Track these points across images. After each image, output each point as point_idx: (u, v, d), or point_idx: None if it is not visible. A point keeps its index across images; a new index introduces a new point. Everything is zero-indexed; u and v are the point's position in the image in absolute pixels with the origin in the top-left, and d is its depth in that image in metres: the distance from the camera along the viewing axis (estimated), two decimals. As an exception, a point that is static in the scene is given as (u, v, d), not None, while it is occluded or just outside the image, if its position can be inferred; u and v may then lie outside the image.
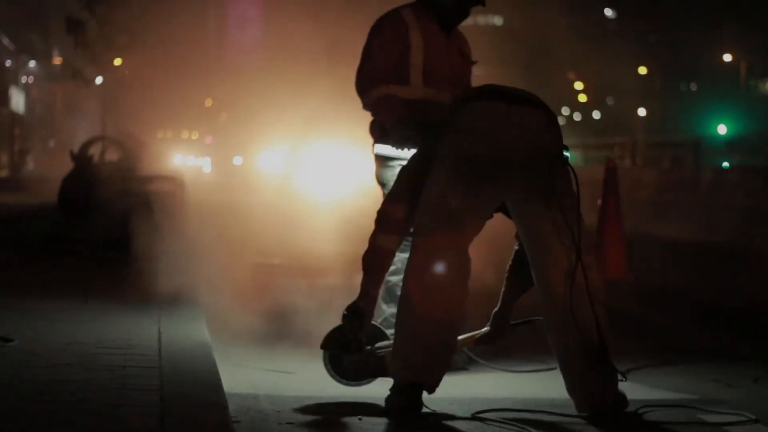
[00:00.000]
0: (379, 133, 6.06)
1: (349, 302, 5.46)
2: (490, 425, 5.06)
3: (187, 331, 6.46)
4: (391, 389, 5.26)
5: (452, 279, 5.23)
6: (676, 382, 6.42)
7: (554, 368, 5.47)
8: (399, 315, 5.30)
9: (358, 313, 5.42)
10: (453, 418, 5.18)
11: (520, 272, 5.47)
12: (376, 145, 6.13)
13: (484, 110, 5.28)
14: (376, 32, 6.17)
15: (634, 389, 6.13)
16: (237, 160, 41.17)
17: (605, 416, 5.20)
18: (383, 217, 5.44)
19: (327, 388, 5.73)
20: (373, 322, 5.60)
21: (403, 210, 5.40)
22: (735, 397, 5.99)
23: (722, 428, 5.18)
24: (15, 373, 5.13)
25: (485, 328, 5.63)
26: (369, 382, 5.58)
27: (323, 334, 5.55)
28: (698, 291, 10.96)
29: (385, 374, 5.46)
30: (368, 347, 5.51)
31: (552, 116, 5.31)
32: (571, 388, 5.30)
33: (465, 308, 5.37)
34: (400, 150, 5.91)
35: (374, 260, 5.44)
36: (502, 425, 5.04)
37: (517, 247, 5.50)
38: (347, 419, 5.09)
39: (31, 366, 5.30)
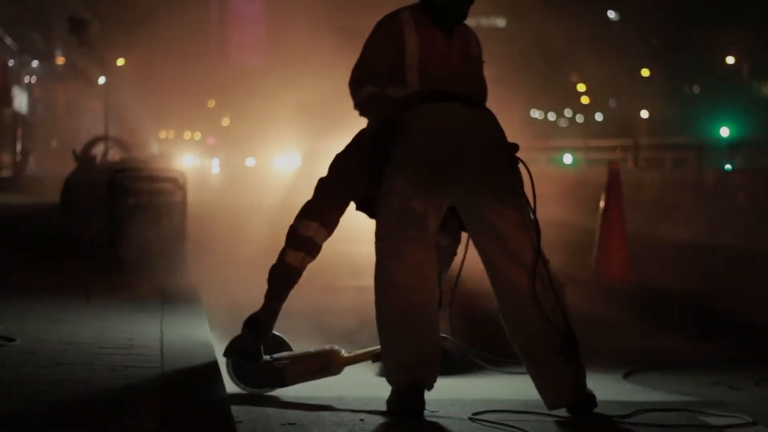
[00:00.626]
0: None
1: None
2: (488, 427, 5.06)
3: (189, 331, 6.46)
4: (391, 395, 5.26)
5: (423, 276, 5.24)
6: (676, 385, 6.42)
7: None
8: (380, 322, 5.30)
9: (256, 324, 5.51)
10: (452, 419, 5.18)
11: None
12: None
13: (440, 112, 5.34)
14: (371, 34, 6.19)
15: (634, 391, 6.14)
16: (249, 162, 40.59)
17: (582, 412, 5.19)
18: (292, 233, 5.50)
19: (329, 388, 5.73)
20: (276, 333, 5.65)
21: (313, 228, 5.45)
22: (736, 399, 5.99)
23: (723, 430, 5.18)
24: (17, 372, 5.14)
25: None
26: (270, 390, 5.61)
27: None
28: (700, 293, 10.96)
29: (282, 384, 5.56)
30: (268, 357, 5.57)
31: (494, 117, 5.41)
32: (544, 386, 5.28)
33: (438, 306, 5.37)
34: None
35: (279, 275, 5.51)
36: (500, 427, 5.04)
37: None
38: (349, 419, 5.09)
39: (32, 365, 5.31)
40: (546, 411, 5.31)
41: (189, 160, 38.12)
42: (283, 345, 5.71)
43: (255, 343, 5.55)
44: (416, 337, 5.22)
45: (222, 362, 5.64)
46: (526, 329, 5.27)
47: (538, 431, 5.00)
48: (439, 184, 5.23)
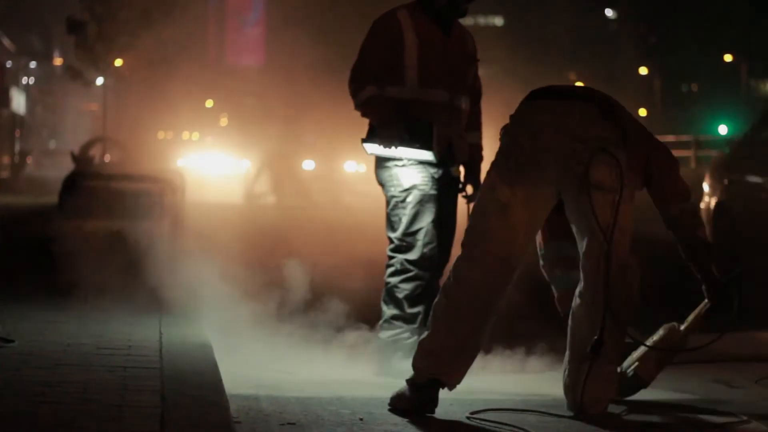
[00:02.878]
0: (368, 132, 6.07)
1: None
2: (486, 426, 5.05)
3: (188, 332, 6.46)
4: (408, 383, 5.23)
5: (493, 281, 5.22)
6: (676, 383, 6.41)
7: (554, 369, 5.47)
8: (436, 307, 5.27)
9: (603, 355, 5.40)
10: (450, 418, 5.17)
11: None
12: (365, 144, 6.13)
13: (533, 107, 5.35)
14: (369, 33, 6.19)
15: (634, 390, 6.13)
16: (308, 164, 38.62)
17: (593, 418, 5.19)
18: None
19: (328, 388, 5.73)
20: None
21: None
22: (735, 397, 5.99)
23: (723, 429, 5.17)
24: (15, 373, 5.13)
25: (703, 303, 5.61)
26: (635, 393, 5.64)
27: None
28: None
29: (645, 386, 5.62)
30: (618, 369, 5.55)
31: (607, 110, 5.31)
32: (565, 384, 5.31)
33: (499, 312, 5.35)
34: (387, 149, 5.92)
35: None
36: (497, 426, 5.04)
37: None
38: (348, 419, 5.08)
39: (31, 367, 5.30)
40: (546, 409, 5.31)
41: (226, 162, 36.98)
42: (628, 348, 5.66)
43: None
44: (462, 332, 5.20)
45: (223, 362, 5.64)
46: (577, 321, 5.30)
47: (537, 430, 5.00)
48: (525, 176, 5.21)
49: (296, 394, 5.55)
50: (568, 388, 5.30)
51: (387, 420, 5.13)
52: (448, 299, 5.23)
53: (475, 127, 6.42)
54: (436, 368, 5.19)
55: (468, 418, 5.16)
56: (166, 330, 6.48)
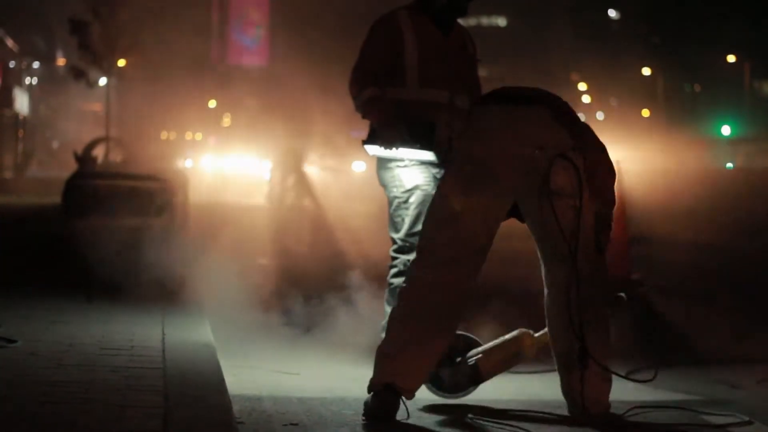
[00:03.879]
0: (369, 133, 6.07)
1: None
2: (486, 427, 5.05)
3: (191, 332, 6.46)
4: (368, 389, 5.21)
5: (449, 289, 5.22)
6: (679, 384, 6.42)
7: (554, 369, 5.47)
8: (393, 313, 5.29)
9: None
10: (450, 419, 5.17)
11: None
12: (366, 146, 6.13)
13: (487, 114, 5.31)
14: (369, 35, 6.19)
15: (637, 390, 6.13)
16: (358, 166, 36.85)
17: (593, 419, 5.19)
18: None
19: (331, 388, 5.73)
20: (461, 332, 5.64)
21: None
22: (738, 398, 5.99)
23: (724, 429, 5.17)
24: (18, 373, 5.14)
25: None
26: (470, 392, 5.62)
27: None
28: (702, 292, 10.95)
29: (479, 381, 5.55)
30: (459, 358, 5.57)
31: (560, 114, 5.29)
32: (563, 389, 5.31)
33: (459, 318, 5.35)
34: (388, 150, 5.92)
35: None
36: (498, 427, 5.04)
37: None
38: (351, 420, 5.09)
39: (34, 367, 5.31)
40: (543, 410, 5.31)
41: (251, 164, 36.06)
42: (472, 344, 5.67)
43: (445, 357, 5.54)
44: (417, 337, 5.20)
45: (226, 363, 5.64)
46: (555, 330, 5.29)
47: (535, 431, 5.00)
48: (480, 185, 5.20)
49: (299, 395, 5.56)
50: (566, 392, 5.30)
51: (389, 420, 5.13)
52: (403, 304, 5.24)
53: None
54: (392, 374, 5.16)
55: (468, 419, 5.16)
56: (168, 330, 6.49)
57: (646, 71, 63.96)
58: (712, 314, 9.52)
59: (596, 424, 5.16)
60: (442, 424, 5.13)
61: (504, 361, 5.60)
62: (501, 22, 71.15)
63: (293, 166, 25.17)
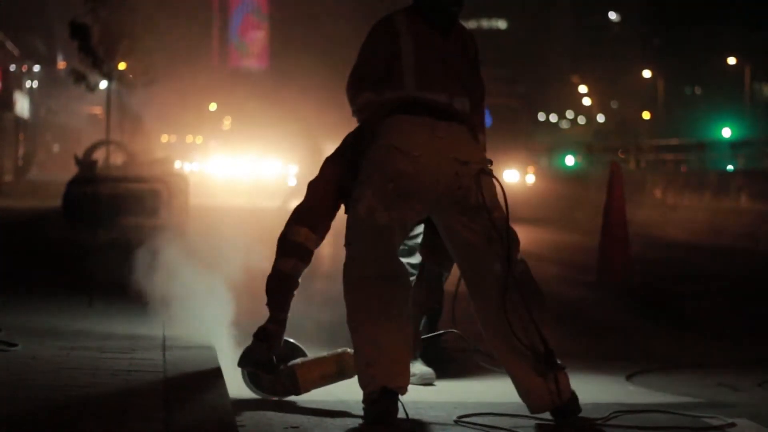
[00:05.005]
0: None
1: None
2: (474, 430, 5.05)
3: (192, 335, 6.46)
4: (363, 401, 5.21)
5: (390, 281, 5.24)
6: (679, 386, 6.41)
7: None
8: (350, 321, 5.29)
9: (266, 335, 5.49)
10: (439, 422, 5.16)
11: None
12: None
13: (408, 125, 5.29)
14: (367, 38, 6.19)
15: (638, 393, 6.13)
16: None
17: (564, 416, 5.18)
18: (282, 240, 5.49)
19: (332, 391, 5.73)
20: (290, 339, 5.64)
21: (303, 233, 5.44)
22: (739, 401, 5.98)
23: (723, 430, 5.17)
24: (18, 377, 5.13)
25: None
26: (286, 396, 5.61)
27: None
28: (702, 293, 10.95)
29: (296, 392, 5.54)
30: (282, 366, 5.56)
31: (473, 129, 5.36)
32: (523, 392, 5.28)
33: (409, 303, 5.35)
34: None
35: (275, 284, 5.50)
36: (486, 430, 5.03)
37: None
38: (352, 423, 5.09)
39: (34, 370, 5.30)
40: (525, 412, 5.31)
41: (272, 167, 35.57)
42: (297, 351, 5.68)
43: (266, 353, 5.53)
44: (386, 341, 5.20)
45: (225, 367, 5.63)
46: (499, 340, 5.26)
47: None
48: (404, 201, 5.19)
49: (300, 398, 5.55)
50: (532, 393, 5.25)
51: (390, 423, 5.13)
52: (353, 312, 5.25)
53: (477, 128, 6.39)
54: (380, 378, 5.16)
55: (456, 422, 5.16)
56: (169, 333, 6.48)
57: (647, 73, 63.96)
58: (713, 316, 9.52)
59: (583, 428, 5.14)
60: (442, 424, 5.12)
61: (323, 377, 5.60)
62: (501, 24, 71.15)
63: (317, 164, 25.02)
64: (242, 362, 5.60)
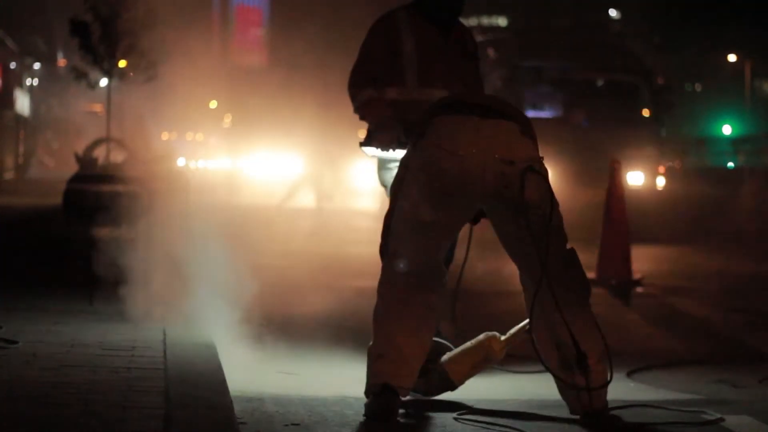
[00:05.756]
0: (366, 135, 6.07)
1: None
2: (473, 427, 5.05)
3: (192, 333, 6.46)
4: (365, 392, 5.23)
5: (425, 285, 5.24)
6: (680, 383, 6.42)
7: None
8: (375, 313, 5.30)
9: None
10: (437, 419, 5.17)
11: None
12: (364, 148, 6.13)
13: (454, 125, 5.25)
14: (368, 36, 6.19)
15: (639, 390, 6.14)
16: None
17: (593, 418, 5.18)
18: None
19: (332, 388, 5.73)
20: (435, 339, 5.64)
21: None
22: (739, 397, 5.99)
23: (718, 425, 5.18)
24: (19, 375, 5.13)
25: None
26: (442, 393, 5.63)
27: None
28: (703, 291, 10.96)
29: (452, 388, 5.56)
30: (431, 365, 5.57)
31: (526, 125, 5.29)
32: (560, 391, 5.31)
33: (440, 313, 5.37)
34: (384, 152, 5.92)
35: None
36: (484, 427, 5.04)
37: None
38: (353, 420, 5.09)
39: (35, 368, 5.31)
40: (535, 410, 5.31)
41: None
42: (442, 348, 5.67)
43: None
44: (400, 336, 5.20)
45: (227, 364, 5.64)
46: (537, 337, 5.29)
47: (525, 430, 5.00)
48: (449, 199, 5.19)
49: (300, 395, 5.56)
50: (565, 393, 5.28)
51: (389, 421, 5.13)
52: (382, 305, 5.27)
53: None
54: (387, 374, 5.18)
55: (455, 419, 5.16)
56: (170, 331, 6.48)
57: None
58: (714, 313, 9.52)
59: (585, 425, 5.15)
60: (442, 422, 5.13)
61: (473, 366, 5.59)
62: (502, 21, 71.11)
63: (329, 165, 25.01)
64: None
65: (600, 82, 21.63)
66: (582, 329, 5.20)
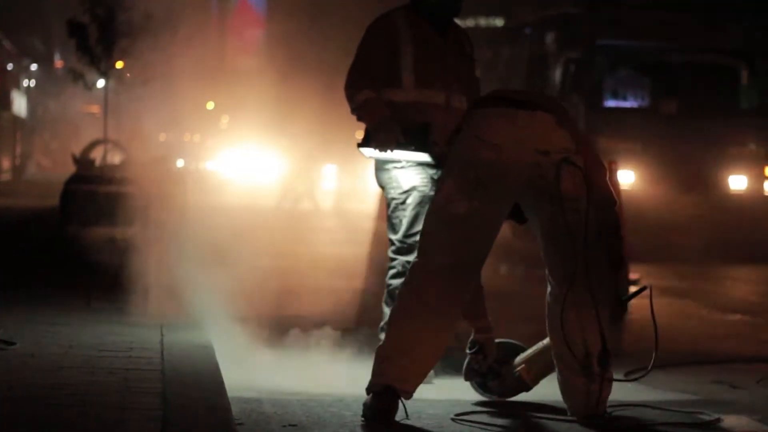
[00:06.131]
0: (364, 136, 6.06)
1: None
2: (470, 427, 5.05)
3: (189, 334, 6.46)
4: (367, 389, 5.22)
5: (449, 292, 5.22)
6: (678, 383, 6.42)
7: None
8: (392, 314, 5.29)
9: (479, 347, 5.57)
10: (435, 419, 5.17)
11: None
12: (362, 149, 6.12)
13: (491, 116, 5.26)
14: (365, 37, 6.18)
15: (637, 390, 6.13)
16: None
17: (590, 419, 5.18)
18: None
19: (329, 389, 5.73)
20: (505, 340, 5.67)
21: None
22: (737, 398, 5.99)
23: (717, 423, 5.18)
24: (17, 376, 5.13)
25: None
26: (517, 395, 5.65)
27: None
28: (701, 291, 10.95)
29: (527, 389, 5.59)
30: (503, 368, 5.61)
31: (562, 117, 5.28)
32: (564, 391, 5.29)
33: (457, 322, 5.37)
34: (382, 153, 5.91)
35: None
36: (482, 427, 5.04)
37: None
38: (350, 421, 5.08)
39: (32, 369, 5.30)
40: (526, 411, 5.31)
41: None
42: (514, 349, 5.69)
43: (484, 362, 5.60)
44: (416, 340, 5.19)
45: (224, 365, 5.64)
46: (555, 332, 5.28)
47: (523, 431, 5.00)
48: (484, 190, 5.17)
49: (298, 396, 5.55)
50: (571, 395, 5.27)
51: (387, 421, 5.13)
52: (402, 306, 5.23)
53: None
54: (391, 376, 5.16)
55: (453, 419, 5.16)
56: (167, 332, 6.48)
57: (644, 71, 63.85)
58: (712, 313, 9.52)
59: (595, 426, 5.15)
60: (440, 423, 5.13)
61: (546, 365, 5.58)
62: (499, 23, 71.14)
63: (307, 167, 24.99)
64: (468, 376, 5.69)
65: (695, 65, 17.94)
66: (594, 330, 5.20)
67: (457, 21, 6.29)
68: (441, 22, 6.18)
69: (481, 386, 5.71)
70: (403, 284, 5.29)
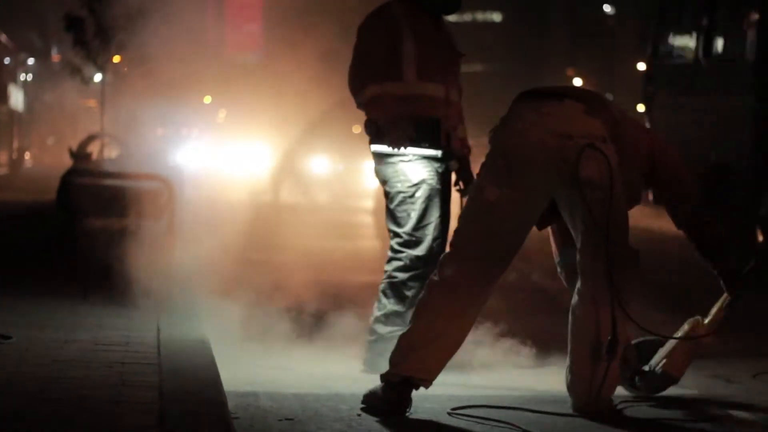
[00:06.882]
0: (375, 132, 6.04)
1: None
2: (467, 422, 5.06)
3: (186, 328, 6.46)
4: (382, 377, 5.22)
5: (480, 283, 5.22)
6: (675, 378, 6.41)
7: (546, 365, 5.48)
8: (419, 304, 5.28)
9: (619, 353, 5.41)
10: (431, 414, 5.17)
11: None
12: (373, 145, 6.11)
13: (522, 108, 5.31)
14: (365, 30, 6.15)
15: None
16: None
17: (589, 414, 5.19)
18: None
19: (326, 384, 5.73)
20: (637, 340, 5.68)
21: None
22: (734, 392, 5.99)
23: (718, 419, 5.18)
24: (13, 370, 5.13)
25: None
26: (667, 388, 5.68)
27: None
28: (697, 286, 10.94)
29: (675, 382, 5.61)
30: (647, 367, 5.62)
31: (593, 106, 5.30)
32: (569, 384, 5.30)
33: (480, 314, 5.36)
34: (396, 149, 5.90)
35: None
36: (478, 422, 5.04)
37: None
38: (346, 415, 5.09)
39: (29, 363, 5.30)
40: (524, 406, 5.31)
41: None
42: (654, 345, 5.70)
43: (628, 370, 5.59)
44: (442, 331, 5.18)
45: (221, 359, 5.64)
46: (575, 319, 5.30)
47: (529, 427, 4.99)
48: (512, 176, 5.18)
49: (294, 390, 5.55)
50: (576, 386, 5.27)
51: (384, 416, 5.13)
52: (431, 297, 5.23)
53: (461, 121, 6.38)
54: (413, 367, 5.16)
55: (449, 414, 5.16)
56: (163, 326, 6.48)
57: (642, 66, 63.93)
58: (707, 309, 9.51)
59: (596, 420, 5.15)
60: (436, 417, 5.13)
61: (686, 355, 5.62)
62: (496, 17, 71.11)
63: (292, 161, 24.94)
64: (625, 383, 5.64)
65: None
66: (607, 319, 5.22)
67: (455, 15, 6.30)
68: (439, 13, 6.17)
69: (629, 382, 5.70)
70: (434, 274, 5.28)
